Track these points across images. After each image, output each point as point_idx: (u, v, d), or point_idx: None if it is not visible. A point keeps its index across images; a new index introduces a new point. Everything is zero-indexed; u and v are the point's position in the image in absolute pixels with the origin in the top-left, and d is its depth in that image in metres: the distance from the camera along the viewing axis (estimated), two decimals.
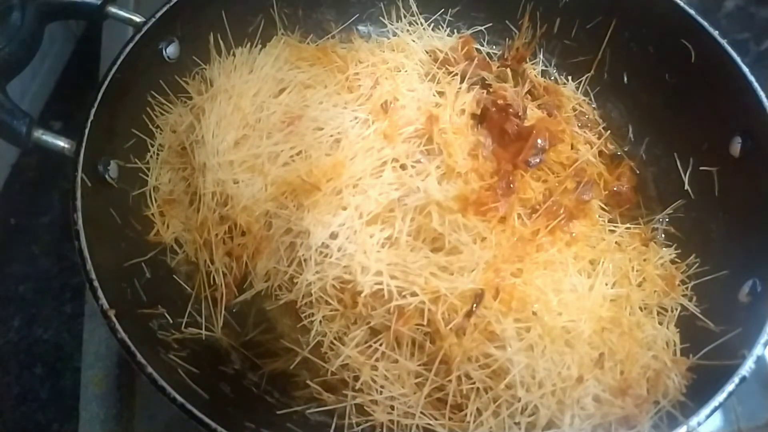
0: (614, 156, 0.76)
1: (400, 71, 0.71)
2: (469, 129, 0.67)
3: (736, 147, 0.65)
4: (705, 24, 0.67)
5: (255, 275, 0.63)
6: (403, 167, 0.63)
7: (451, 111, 0.67)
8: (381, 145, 0.64)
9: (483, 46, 0.81)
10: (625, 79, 0.77)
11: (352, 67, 0.70)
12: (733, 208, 0.66)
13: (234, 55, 0.73)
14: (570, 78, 0.81)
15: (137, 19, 0.67)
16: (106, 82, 0.62)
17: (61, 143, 0.60)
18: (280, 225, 0.62)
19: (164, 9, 0.67)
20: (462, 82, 0.71)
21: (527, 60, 0.80)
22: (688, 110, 0.71)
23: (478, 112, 0.69)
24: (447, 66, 0.73)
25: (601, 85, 0.79)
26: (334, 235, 0.59)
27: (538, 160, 0.65)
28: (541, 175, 0.67)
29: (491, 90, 0.73)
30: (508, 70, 0.76)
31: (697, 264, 0.66)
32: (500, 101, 0.68)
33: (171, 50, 0.69)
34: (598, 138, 0.75)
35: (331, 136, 0.65)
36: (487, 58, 0.79)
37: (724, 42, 0.66)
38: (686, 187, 0.70)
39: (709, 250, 0.66)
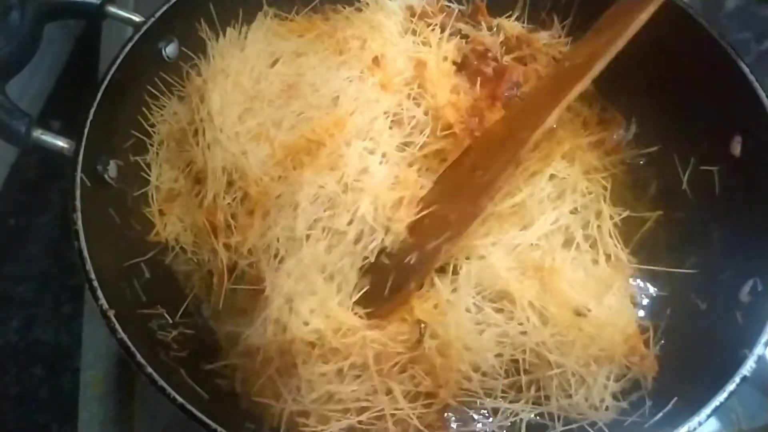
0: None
1: (382, 30, 0.74)
2: (452, 74, 0.73)
3: (736, 146, 0.65)
4: (705, 23, 0.67)
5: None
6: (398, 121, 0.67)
7: (436, 58, 0.72)
8: (377, 98, 0.67)
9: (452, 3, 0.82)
10: (624, 80, 0.77)
11: (340, 32, 0.73)
12: (733, 208, 0.65)
13: (224, 35, 0.73)
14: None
15: (136, 18, 0.67)
16: (106, 82, 0.61)
17: (61, 143, 0.60)
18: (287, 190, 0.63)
19: (163, 9, 0.67)
20: (442, 32, 0.75)
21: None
22: (689, 110, 0.71)
23: (459, 60, 0.74)
24: (426, 19, 0.77)
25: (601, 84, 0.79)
26: None
27: (514, 92, 0.70)
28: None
29: (469, 39, 0.77)
30: (483, 23, 0.79)
31: (698, 264, 0.66)
32: (479, 47, 0.75)
33: (170, 50, 0.69)
34: None
35: (330, 97, 0.67)
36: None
37: (724, 42, 0.66)
38: (685, 186, 0.70)
39: (709, 250, 0.66)
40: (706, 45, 0.67)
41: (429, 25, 0.76)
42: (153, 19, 0.66)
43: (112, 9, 0.67)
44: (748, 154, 0.64)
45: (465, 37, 0.77)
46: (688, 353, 0.60)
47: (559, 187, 0.66)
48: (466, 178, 0.63)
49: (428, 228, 0.61)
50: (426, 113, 0.68)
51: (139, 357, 0.51)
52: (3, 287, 0.84)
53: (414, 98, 0.69)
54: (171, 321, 0.61)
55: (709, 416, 0.51)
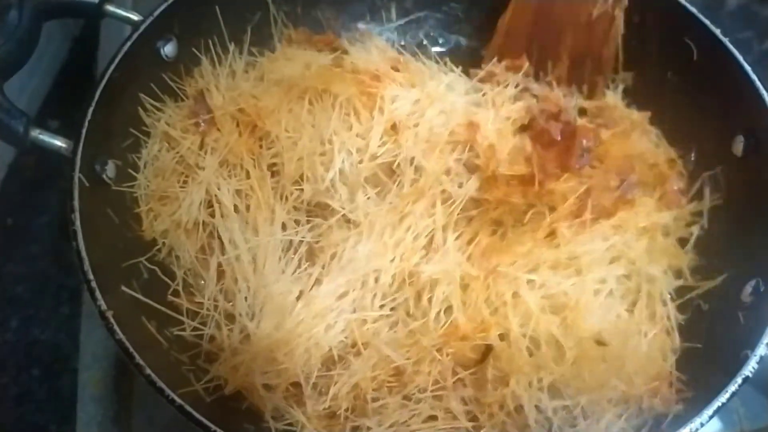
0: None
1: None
2: (511, 135, 0.65)
3: (738, 146, 0.65)
4: (707, 22, 0.67)
5: None
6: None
7: (494, 117, 0.65)
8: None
9: None
10: (625, 79, 0.77)
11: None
12: (735, 208, 0.65)
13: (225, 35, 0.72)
14: None
15: (135, 17, 0.66)
16: (104, 81, 0.61)
17: (59, 143, 0.59)
18: None
19: (162, 7, 0.66)
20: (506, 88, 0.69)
21: None
22: (690, 109, 0.70)
23: (526, 121, 0.67)
24: (489, 81, 0.71)
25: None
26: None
27: (584, 160, 0.63)
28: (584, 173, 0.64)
29: (540, 99, 0.70)
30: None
31: (699, 263, 0.65)
32: (551, 108, 0.67)
33: (169, 49, 0.68)
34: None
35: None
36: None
37: (726, 40, 0.66)
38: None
39: (711, 250, 0.65)
40: (708, 43, 0.67)
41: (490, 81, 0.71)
42: (151, 18, 0.65)
43: (110, 8, 0.67)
44: (751, 154, 0.64)
45: (535, 96, 0.71)
46: (690, 353, 0.60)
47: (619, 253, 0.62)
48: None
49: None
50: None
51: (137, 358, 0.51)
52: (1, 287, 0.83)
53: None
54: (170, 321, 0.60)
55: (711, 417, 0.51)
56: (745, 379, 0.52)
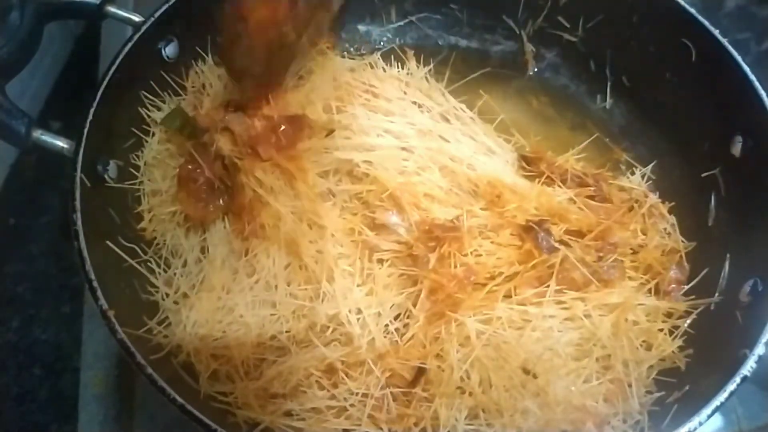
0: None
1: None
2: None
3: (737, 146, 0.65)
4: (706, 23, 0.67)
5: None
6: None
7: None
8: None
9: None
10: (625, 79, 0.77)
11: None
12: (733, 208, 0.65)
13: None
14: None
15: (136, 18, 0.67)
16: (105, 82, 0.61)
17: (60, 143, 0.60)
18: None
19: (163, 8, 0.66)
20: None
21: None
22: (689, 110, 0.71)
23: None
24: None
25: (602, 83, 0.79)
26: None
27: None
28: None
29: None
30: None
31: (699, 264, 0.65)
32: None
33: (170, 50, 0.69)
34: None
35: None
36: None
37: (725, 41, 0.66)
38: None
39: (709, 250, 0.65)
40: (707, 44, 0.67)
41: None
42: (153, 19, 0.66)
43: (111, 9, 0.67)
44: (749, 155, 0.64)
45: None
46: (688, 353, 0.60)
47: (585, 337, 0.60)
48: None
49: None
50: None
51: (139, 357, 0.51)
52: (3, 287, 0.84)
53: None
54: (171, 320, 0.60)
55: (709, 416, 0.51)
56: (744, 379, 0.52)
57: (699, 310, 0.62)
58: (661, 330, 0.61)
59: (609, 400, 0.57)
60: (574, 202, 0.66)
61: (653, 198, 0.70)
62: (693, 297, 0.63)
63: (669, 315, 0.62)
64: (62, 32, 0.99)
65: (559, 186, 0.68)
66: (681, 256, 0.66)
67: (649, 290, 0.64)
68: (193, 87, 0.71)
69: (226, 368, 0.57)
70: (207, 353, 0.57)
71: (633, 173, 0.73)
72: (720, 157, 0.66)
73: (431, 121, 0.67)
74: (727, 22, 0.90)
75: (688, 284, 0.64)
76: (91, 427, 0.66)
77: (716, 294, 0.62)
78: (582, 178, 0.68)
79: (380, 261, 0.61)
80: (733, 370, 0.52)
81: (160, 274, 0.63)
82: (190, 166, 0.63)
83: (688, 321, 0.62)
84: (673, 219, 0.69)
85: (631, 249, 0.65)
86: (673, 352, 0.60)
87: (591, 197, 0.67)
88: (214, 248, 0.63)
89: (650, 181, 0.73)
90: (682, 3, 0.69)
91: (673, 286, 0.64)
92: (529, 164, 0.70)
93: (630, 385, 0.58)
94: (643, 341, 0.60)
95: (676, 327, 0.62)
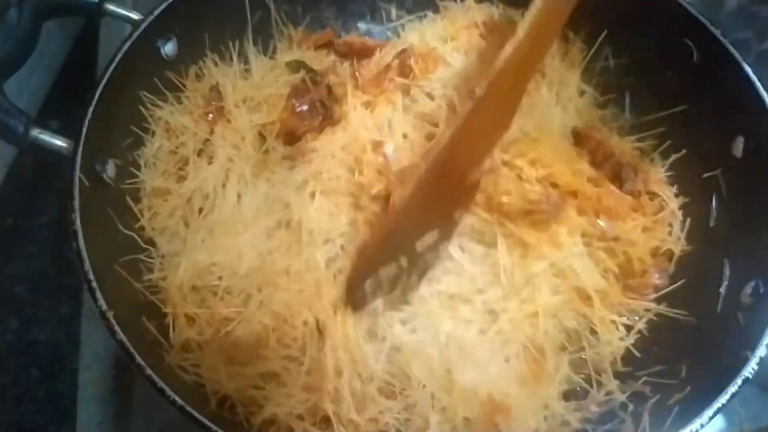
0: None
1: None
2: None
3: (738, 147, 0.65)
4: (707, 23, 0.67)
5: None
6: None
7: None
8: None
9: None
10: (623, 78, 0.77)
11: None
12: (735, 209, 0.65)
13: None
14: None
15: (135, 16, 0.66)
16: (104, 81, 0.61)
17: (59, 142, 0.59)
18: None
19: (162, 6, 0.66)
20: None
21: None
22: (690, 110, 0.70)
23: None
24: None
25: (602, 82, 0.79)
26: None
27: None
28: None
29: None
30: None
31: (699, 264, 0.65)
32: None
33: (169, 48, 0.69)
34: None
35: None
36: None
37: (726, 41, 0.66)
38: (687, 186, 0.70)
39: (711, 251, 0.65)
40: (708, 44, 0.67)
41: None
42: (151, 17, 0.65)
43: (110, 7, 0.67)
44: (750, 155, 0.64)
45: None
46: (689, 354, 0.60)
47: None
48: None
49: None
50: None
51: (138, 359, 0.51)
52: (1, 287, 0.83)
53: None
54: (171, 322, 0.60)
55: (711, 418, 0.51)
56: (745, 380, 0.52)
57: (690, 312, 0.63)
58: (613, 322, 0.62)
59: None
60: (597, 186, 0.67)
61: (670, 192, 0.70)
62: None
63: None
64: (61, 30, 0.99)
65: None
66: (671, 260, 0.67)
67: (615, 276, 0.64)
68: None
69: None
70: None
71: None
72: (721, 158, 0.66)
73: None
74: (728, 22, 0.90)
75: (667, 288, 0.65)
76: (90, 428, 0.66)
77: (719, 293, 0.62)
78: (620, 167, 0.69)
79: None
80: (734, 372, 0.52)
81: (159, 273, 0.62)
82: (302, 85, 0.70)
83: (644, 320, 0.64)
84: (680, 216, 0.69)
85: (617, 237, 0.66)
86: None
87: (619, 186, 0.68)
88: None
89: None
90: (683, 2, 0.69)
91: (650, 290, 0.65)
92: (577, 139, 0.72)
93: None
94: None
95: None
